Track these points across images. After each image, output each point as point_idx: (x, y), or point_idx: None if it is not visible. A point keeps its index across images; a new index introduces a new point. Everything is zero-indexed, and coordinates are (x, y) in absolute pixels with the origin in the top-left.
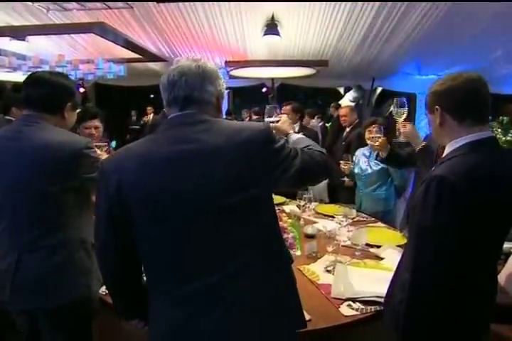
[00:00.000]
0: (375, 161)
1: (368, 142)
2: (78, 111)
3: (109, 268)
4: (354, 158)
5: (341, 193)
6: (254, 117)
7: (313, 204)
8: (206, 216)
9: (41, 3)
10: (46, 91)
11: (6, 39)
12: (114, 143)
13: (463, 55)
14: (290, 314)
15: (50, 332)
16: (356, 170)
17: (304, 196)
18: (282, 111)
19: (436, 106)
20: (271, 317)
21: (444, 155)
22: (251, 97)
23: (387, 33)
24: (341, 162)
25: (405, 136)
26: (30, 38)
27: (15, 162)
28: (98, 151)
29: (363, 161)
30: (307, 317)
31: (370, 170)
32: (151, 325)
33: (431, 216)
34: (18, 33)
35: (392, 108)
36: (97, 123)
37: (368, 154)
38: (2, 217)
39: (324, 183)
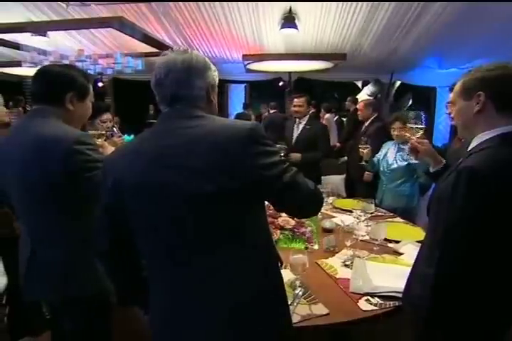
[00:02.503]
0: (401, 156)
1: (395, 139)
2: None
3: (107, 256)
4: (380, 152)
5: (359, 188)
6: (272, 111)
7: (330, 199)
8: (187, 206)
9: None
10: (43, 82)
11: (28, 35)
12: (132, 137)
13: (485, 48)
14: (271, 312)
15: (68, 319)
16: (381, 166)
17: (322, 190)
18: (295, 104)
19: (480, 92)
20: (251, 311)
21: (470, 147)
22: (268, 91)
23: (407, 26)
24: (360, 146)
25: (425, 155)
26: (50, 33)
27: (17, 157)
28: (97, 141)
29: (390, 156)
30: (325, 311)
31: (395, 165)
32: (150, 312)
33: (460, 207)
34: (39, 28)
35: (397, 122)
36: (110, 116)
37: (395, 149)
38: (20, 210)
39: (341, 177)
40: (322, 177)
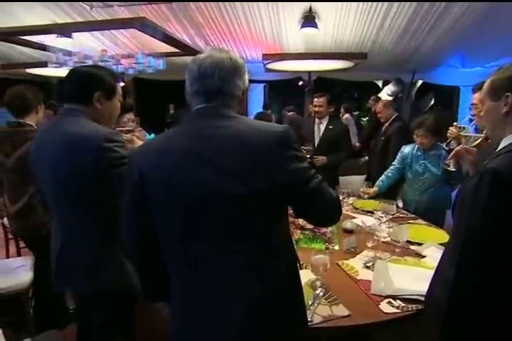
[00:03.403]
0: (431, 163)
1: (419, 145)
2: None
3: (134, 252)
4: (402, 159)
5: None
6: (289, 113)
7: (351, 199)
8: (209, 205)
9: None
10: (72, 82)
11: (53, 36)
12: (152, 136)
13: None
14: (288, 314)
15: (94, 311)
16: (409, 174)
17: (342, 190)
18: (315, 104)
19: (508, 94)
20: (268, 313)
21: (499, 148)
22: (287, 91)
23: (430, 24)
24: (361, 190)
25: (468, 164)
26: (74, 34)
27: (49, 155)
28: (126, 136)
29: (418, 163)
30: (346, 312)
31: (428, 174)
32: (171, 309)
33: (482, 210)
34: (65, 30)
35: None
36: (132, 115)
37: (421, 155)
38: (53, 206)
39: (361, 178)
40: (342, 177)
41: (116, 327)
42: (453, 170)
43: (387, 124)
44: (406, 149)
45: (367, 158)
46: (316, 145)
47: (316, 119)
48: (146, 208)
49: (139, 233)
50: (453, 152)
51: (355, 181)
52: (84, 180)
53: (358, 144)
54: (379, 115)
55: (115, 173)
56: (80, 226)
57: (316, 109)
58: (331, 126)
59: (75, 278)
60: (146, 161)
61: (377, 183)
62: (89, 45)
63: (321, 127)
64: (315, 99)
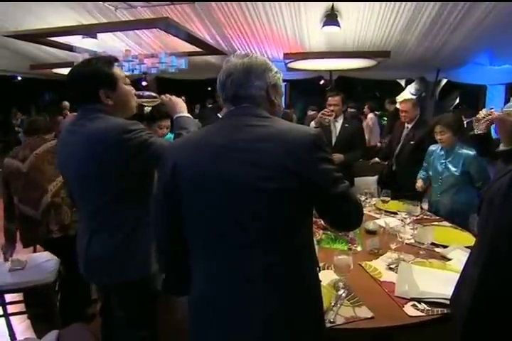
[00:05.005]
0: (452, 163)
1: (440, 144)
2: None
3: (162, 243)
4: (426, 157)
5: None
6: (312, 113)
7: (374, 200)
8: (244, 199)
9: (110, 2)
10: (72, 87)
11: (79, 37)
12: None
13: None
14: (307, 312)
15: (118, 304)
16: (432, 173)
17: (365, 191)
18: (331, 103)
19: None
20: (288, 311)
21: None
22: (308, 90)
23: (456, 21)
24: (383, 198)
25: (502, 133)
26: (99, 35)
27: (73, 153)
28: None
29: (439, 162)
30: (369, 314)
31: (447, 173)
32: (188, 301)
33: None
34: (90, 30)
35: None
36: (169, 123)
37: (444, 154)
38: (80, 202)
39: (374, 179)
40: (356, 178)
41: (139, 319)
42: (480, 132)
43: (410, 127)
44: (432, 147)
45: (377, 159)
46: (333, 144)
47: (331, 118)
48: (176, 199)
49: (168, 222)
50: (488, 116)
51: (368, 182)
52: (109, 175)
53: (379, 144)
54: (404, 114)
55: (146, 156)
56: (107, 220)
57: (332, 108)
58: (347, 125)
59: (102, 271)
60: (182, 153)
61: (419, 175)
62: (113, 46)
63: (336, 125)
64: (330, 98)
